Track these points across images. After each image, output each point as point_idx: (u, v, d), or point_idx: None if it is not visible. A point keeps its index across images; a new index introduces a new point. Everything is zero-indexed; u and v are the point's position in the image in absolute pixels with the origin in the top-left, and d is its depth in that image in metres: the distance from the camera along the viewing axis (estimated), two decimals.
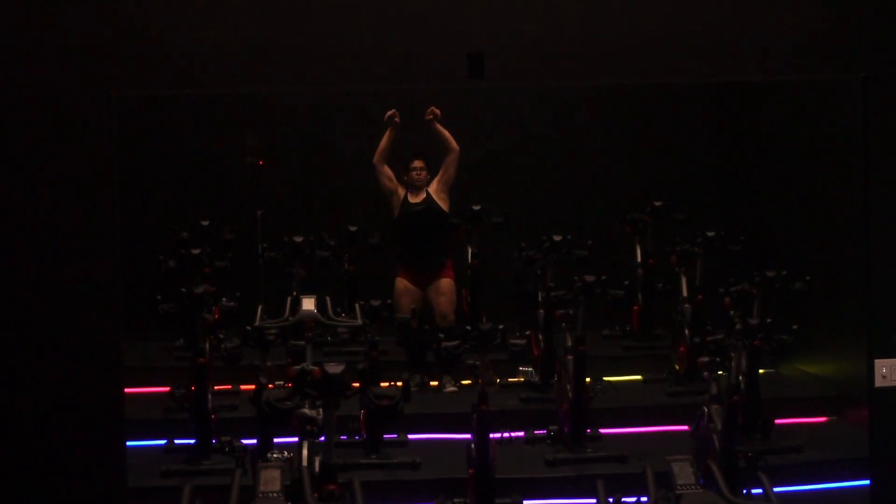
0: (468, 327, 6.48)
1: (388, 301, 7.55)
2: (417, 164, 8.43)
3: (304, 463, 5.78)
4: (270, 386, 7.04)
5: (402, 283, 8.37)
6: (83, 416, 4.98)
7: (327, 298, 7.84)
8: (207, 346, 7.05)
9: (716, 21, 5.17)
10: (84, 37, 4.95)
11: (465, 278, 8.65)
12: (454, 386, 8.16)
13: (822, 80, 6.26)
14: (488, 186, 9.28)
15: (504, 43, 5.08)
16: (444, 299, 8.35)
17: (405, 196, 8.45)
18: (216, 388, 7.34)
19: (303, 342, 7.13)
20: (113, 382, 5.02)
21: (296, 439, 6.04)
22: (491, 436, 6.17)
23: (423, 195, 8.43)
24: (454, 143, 8.35)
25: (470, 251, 8.70)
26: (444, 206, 8.42)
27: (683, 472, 5.30)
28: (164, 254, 8.20)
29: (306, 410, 5.96)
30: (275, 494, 5.09)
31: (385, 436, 7.06)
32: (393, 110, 8.32)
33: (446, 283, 8.39)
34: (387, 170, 8.46)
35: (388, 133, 8.39)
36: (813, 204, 8.22)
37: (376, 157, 8.45)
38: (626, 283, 7.89)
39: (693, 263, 8.31)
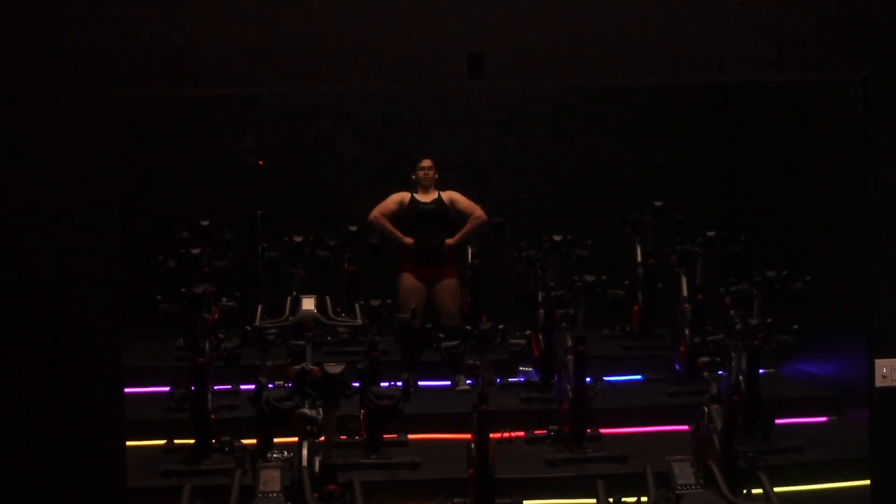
0: (468, 327, 6.49)
1: (389, 301, 7.53)
2: (426, 163, 8.46)
3: (304, 463, 5.78)
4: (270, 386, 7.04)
5: (409, 279, 8.39)
6: (83, 416, 4.98)
7: (327, 298, 7.84)
8: (207, 346, 7.04)
9: (716, 21, 5.16)
10: (84, 37, 4.95)
11: (465, 278, 8.66)
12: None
13: (822, 80, 6.24)
14: (488, 186, 9.28)
15: (504, 43, 5.07)
16: (451, 299, 8.39)
17: (412, 196, 8.46)
18: (216, 387, 7.34)
19: (303, 342, 7.12)
20: (113, 382, 5.01)
21: (296, 439, 6.04)
22: (491, 436, 6.17)
23: (434, 195, 8.45)
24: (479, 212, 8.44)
25: (470, 251, 8.71)
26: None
27: (683, 472, 5.30)
28: (164, 254, 8.21)
29: (306, 410, 5.96)
30: (275, 494, 5.09)
31: (385, 436, 7.06)
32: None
33: (452, 283, 8.44)
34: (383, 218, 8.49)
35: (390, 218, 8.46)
36: (813, 204, 8.21)
37: (376, 213, 8.47)
38: (626, 283, 7.88)
39: (693, 263, 8.31)
